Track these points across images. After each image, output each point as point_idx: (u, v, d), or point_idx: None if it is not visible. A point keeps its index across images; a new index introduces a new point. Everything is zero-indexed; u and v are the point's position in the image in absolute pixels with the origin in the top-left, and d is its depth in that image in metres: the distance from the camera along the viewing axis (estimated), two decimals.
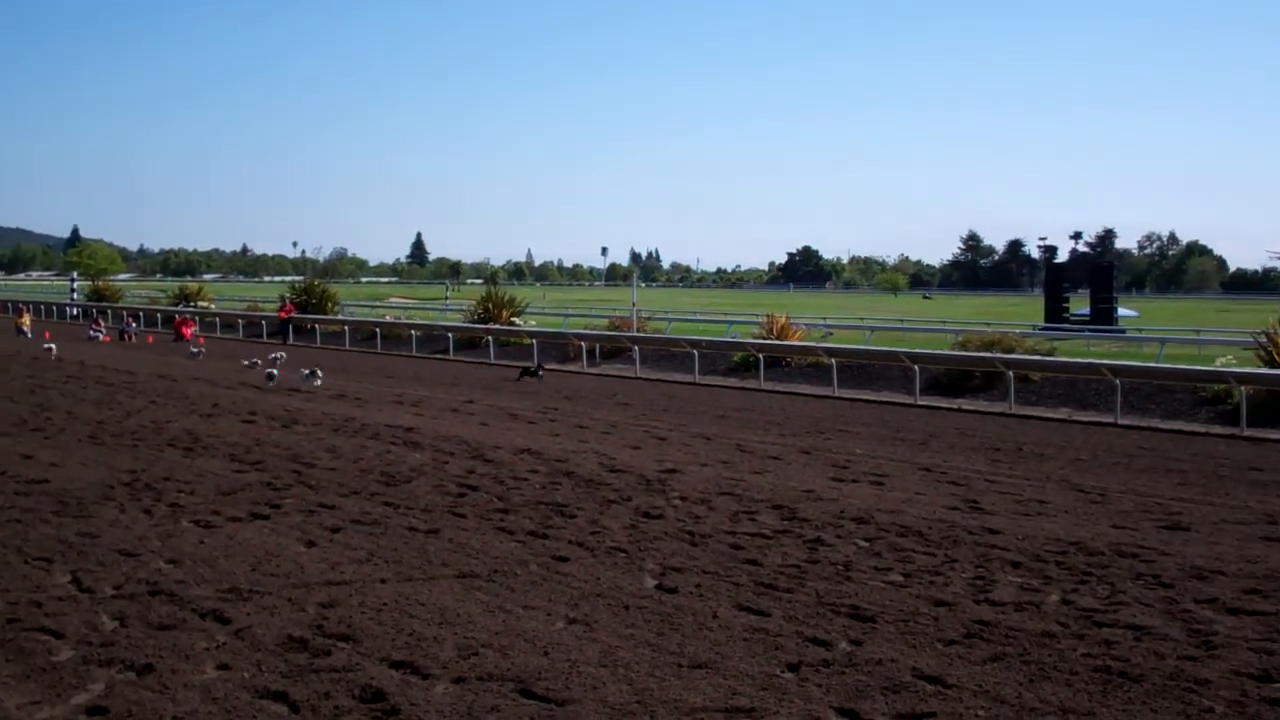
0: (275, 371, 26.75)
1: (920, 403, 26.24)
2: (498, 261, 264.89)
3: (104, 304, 65.79)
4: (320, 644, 7.91)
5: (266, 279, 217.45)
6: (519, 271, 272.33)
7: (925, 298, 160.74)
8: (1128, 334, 54.11)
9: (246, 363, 29.94)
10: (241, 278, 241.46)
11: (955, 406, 25.78)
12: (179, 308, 60.61)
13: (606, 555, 10.70)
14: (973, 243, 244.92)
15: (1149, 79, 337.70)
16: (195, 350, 37.20)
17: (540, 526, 11.87)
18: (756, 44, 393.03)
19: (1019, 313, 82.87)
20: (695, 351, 32.90)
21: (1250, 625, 8.65)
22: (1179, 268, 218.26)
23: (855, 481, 15.08)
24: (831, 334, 50.22)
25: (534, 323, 49.80)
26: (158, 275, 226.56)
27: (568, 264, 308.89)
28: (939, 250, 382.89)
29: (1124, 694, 7.17)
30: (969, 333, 38.14)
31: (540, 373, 30.83)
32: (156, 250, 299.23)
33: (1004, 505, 13.51)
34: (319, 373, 26.50)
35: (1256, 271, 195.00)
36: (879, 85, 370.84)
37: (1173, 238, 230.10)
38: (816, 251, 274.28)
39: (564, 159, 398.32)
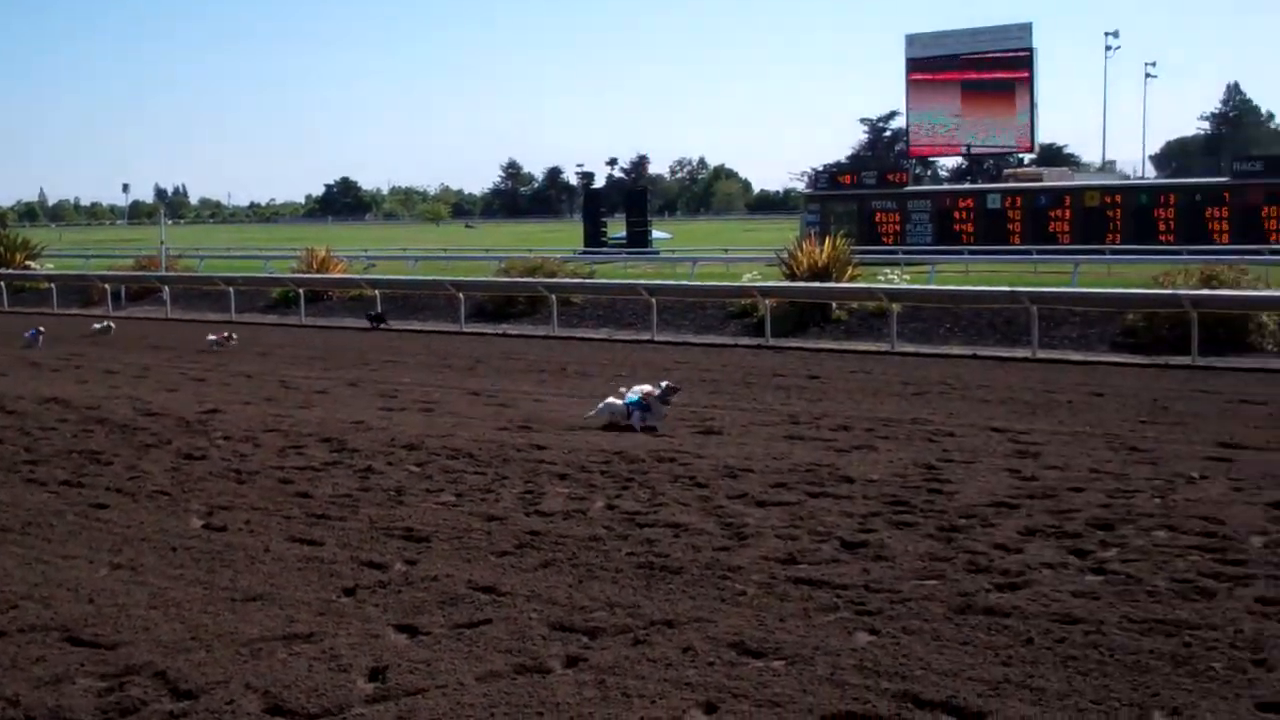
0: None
1: (466, 330, 26.57)
2: (6, 202, 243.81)
3: None
4: None
5: None
6: (31, 212, 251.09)
7: (468, 227, 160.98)
8: (662, 255, 56.42)
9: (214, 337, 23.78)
10: None
11: (500, 332, 26.28)
12: None
13: (148, 499, 10.31)
14: (513, 171, 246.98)
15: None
16: None
17: (74, 475, 11.28)
18: None
19: (560, 238, 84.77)
20: (231, 289, 31.89)
21: (776, 515, 9.36)
22: (708, 191, 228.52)
23: (404, 410, 15.13)
24: (374, 265, 49.90)
25: (51, 265, 46.59)
26: None
27: (85, 203, 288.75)
28: (480, 180, 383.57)
29: (666, 585, 7.62)
30: (512, 259, 38.67)
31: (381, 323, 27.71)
32: None
33: (550, 423, 13.94)
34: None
35: (779, 192, 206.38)
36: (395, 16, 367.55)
37: (702, 162, 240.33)
38: (355, 183, 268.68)
39: (76, 86, 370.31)
